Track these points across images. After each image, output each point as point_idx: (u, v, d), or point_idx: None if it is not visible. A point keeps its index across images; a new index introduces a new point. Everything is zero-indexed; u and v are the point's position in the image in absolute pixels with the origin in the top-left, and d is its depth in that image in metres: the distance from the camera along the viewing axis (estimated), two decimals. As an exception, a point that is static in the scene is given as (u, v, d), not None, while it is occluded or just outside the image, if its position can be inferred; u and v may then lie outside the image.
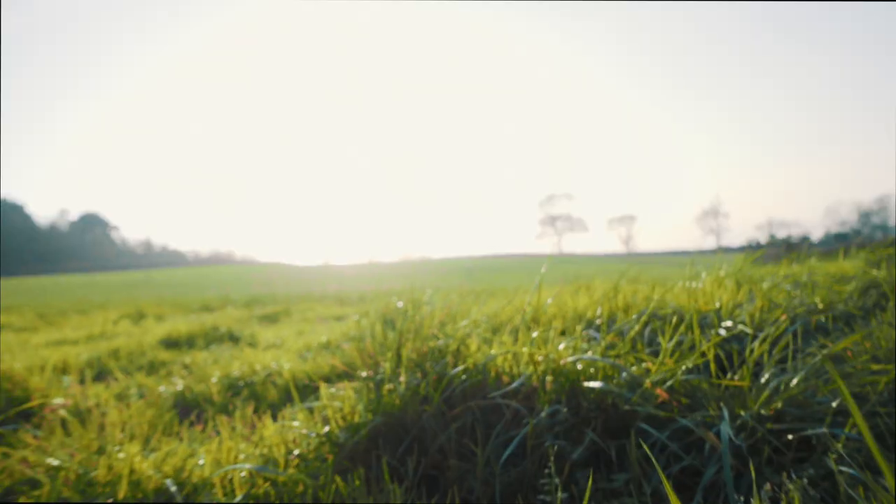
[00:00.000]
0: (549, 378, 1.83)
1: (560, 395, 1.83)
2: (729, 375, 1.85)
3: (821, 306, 3.20)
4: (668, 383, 1.77)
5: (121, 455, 1.74)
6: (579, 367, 1.89)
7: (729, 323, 2.51)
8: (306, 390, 2.88)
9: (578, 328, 2.87)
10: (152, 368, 3.57)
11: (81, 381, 3.16)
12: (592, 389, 1.82)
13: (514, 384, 1.85)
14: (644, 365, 1.94)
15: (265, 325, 8.35)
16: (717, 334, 2.30)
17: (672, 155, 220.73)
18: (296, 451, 1.76)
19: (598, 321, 2.94)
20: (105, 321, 7.84)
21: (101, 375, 3.51)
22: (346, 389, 2.08)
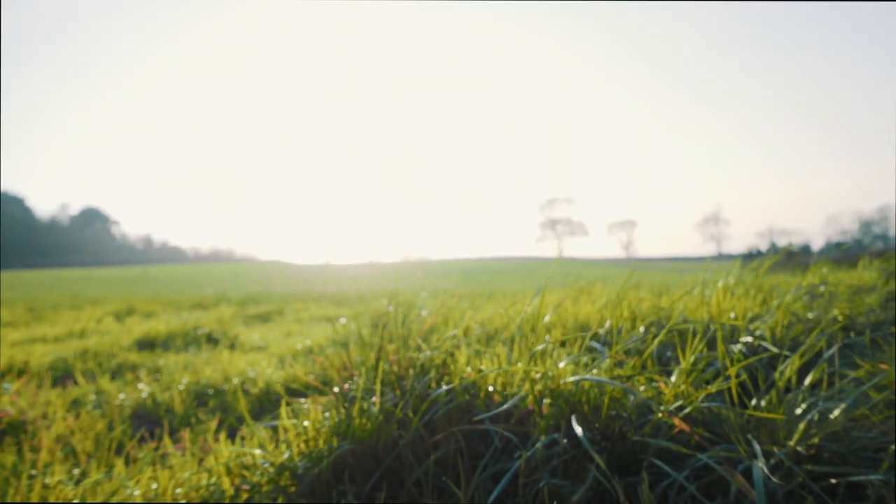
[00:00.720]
0: (546, 401, 1.58)
1: (559, 421, 1.57)
2: (754, 402, 1.59)
3: (840, 319, 2.96)
4: (686, 410, 1.51)
5: (45, 481, 1.48)
6: (580, 385, 1.64)
7: (748, 338, 2.26)
8: (280, 402, 2.63)
9: (580, 340, 2.63)
10: (119, 372, 3.31)
11: (40, 386, 2.91)
12: (597, 415, 1.57)
13: (507, 405, 1.60)
14: (655, 384, 1.69)
15: (255, 326, 8.11)
16: (742, 353, 2.04)
17: (673, 161, 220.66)
18: (247, 484, 1.51)
19: (601, 332, 2.70)
20: (89, 318, 7.59)
21: (63, 379, 3.25)
22: (313, 407, 1.83)
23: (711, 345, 2.38)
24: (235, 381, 2.88)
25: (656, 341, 1.70)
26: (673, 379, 1.67)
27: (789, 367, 1.64)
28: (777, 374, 1.58)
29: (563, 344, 2.68)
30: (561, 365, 1.62)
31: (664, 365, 2.28)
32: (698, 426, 1.56)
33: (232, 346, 4.39)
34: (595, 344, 2.43)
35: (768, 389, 1.67)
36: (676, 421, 1.37)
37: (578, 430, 1.41)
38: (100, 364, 3.50)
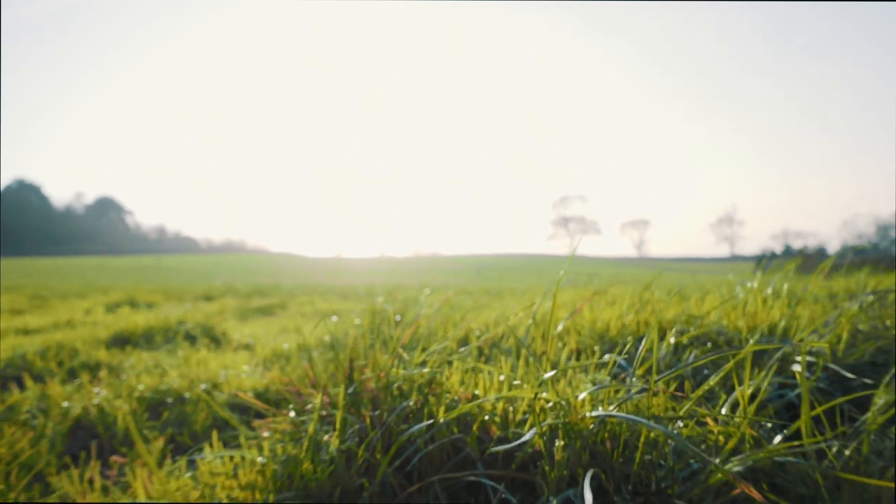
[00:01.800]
0: (559, 442, 1.19)
1: (575, 468, 1.19)
2: (834, 449, 1.19)
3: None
4: (748, 463, 1.11)
5: None
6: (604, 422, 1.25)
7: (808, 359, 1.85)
8: (249, 414, 2.27)
9: (598, 351, 2.23)
10: (78, 373, 2.96)
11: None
12: (627, 462, 1.18)
13: (508, 446, 1.20)
14: (698, 416, 1.30)
15: (255, 320, 7.79)
16: (816, 384, 1.62)
17: (688, 161, 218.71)
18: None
19: (623, 342, 2.31)
20: (80, 308, 7.28)
21: (17, 379, 2.91)
22: (270, 434, 1.46)
23: (757, 358, 1.98)
24: (204, 387, 2.51)
25: (698, 361, 1.30)
26: (724, 412, 1.28)
27: (879, 400, 1.23)
28: (870, 417, 1.18)
29: (577, 355, 2.29)
30: (580, 396, 1.22)
31: (702, 385, 1.89)
32: (760, 478, 1.16)
33: (216, 344, 4.02)
34: (617, 358, 2.04)
35: (856, 434, 1.26)
36: (743, 486, 0.97)
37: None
38: (60, 362, 3.15)
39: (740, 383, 1.41)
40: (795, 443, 1.11)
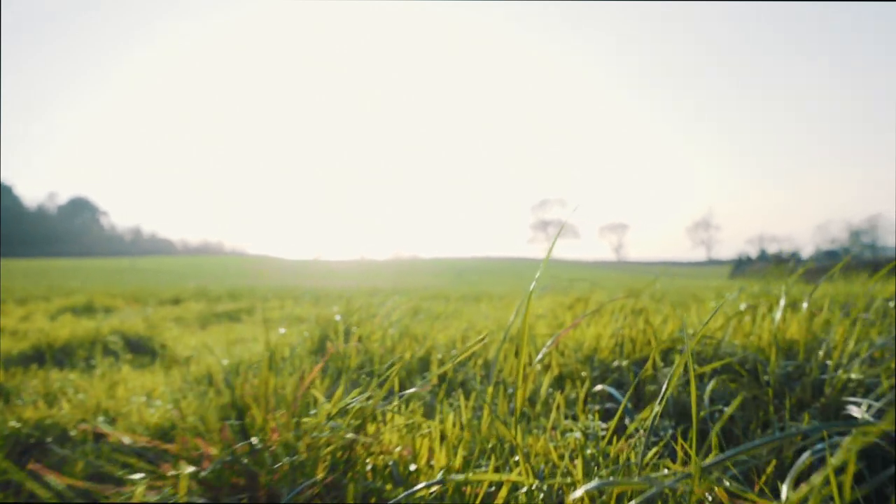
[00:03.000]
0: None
1: None
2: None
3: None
4: None
5: None
6: None
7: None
8: (144, 456, 1.79)
9: (587, 378, 1.80)
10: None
11: None
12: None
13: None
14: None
15: (214, 326, 7.26)
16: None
17: (666, 166, 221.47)
18: None
19: (615, 364, 1.88)
20: (11, 315, 6.67)
21: None
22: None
23: (785, 384, 1.56)
24: (97, 419, 2.02)
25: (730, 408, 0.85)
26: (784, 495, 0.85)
27: None
28: None
29: (559, 382, 1.85)
30: (575, 495, 0.76)
31: (733, 441, 1.45)
32: None
33: (152, 358, 3.52)
34: (612, 390, 1.61)
35: None
36: None
37: None
38: (-56, 386, 2.64)
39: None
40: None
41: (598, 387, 1.31)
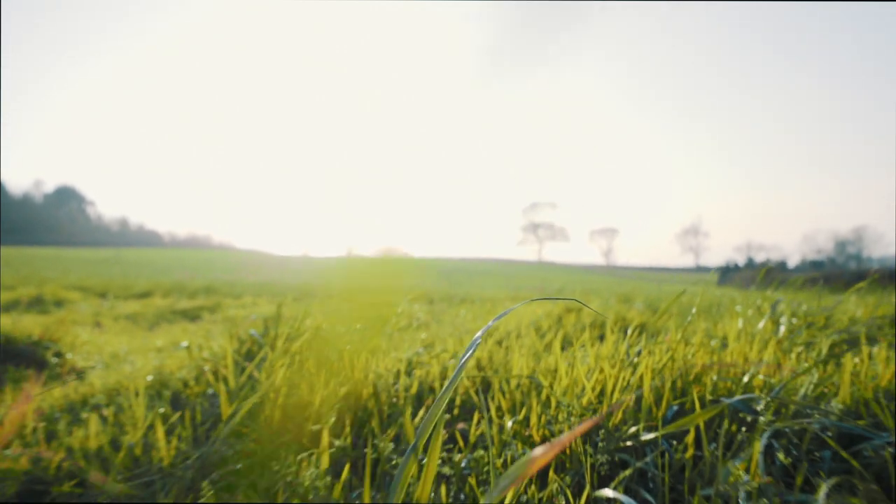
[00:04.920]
0: None
1: None
2: None
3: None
4: None
5: None
6: None
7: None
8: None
9: (589, 454, 1.31)
10: None
11: None
12: None
13: None
14: None
15: (165, 326, 6.76)
16: None
17: (656, 172, 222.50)
18: None
19: (630, 430, 1.36)
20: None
21: None
22: None
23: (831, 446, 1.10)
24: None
25: None
26: None
27: None
28: None
29: (542, 481, 1.38)
30: None
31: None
32: None
33: (38, 369, 2.99)
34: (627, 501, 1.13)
35: None
36: None
37: None
38: None
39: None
40: None
41: (607, 493, 0.84)
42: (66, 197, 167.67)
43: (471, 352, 0.73)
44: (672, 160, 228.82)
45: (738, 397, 1.19)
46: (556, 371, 1.57)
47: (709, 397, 1.33)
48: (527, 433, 1.26)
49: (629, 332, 1.66)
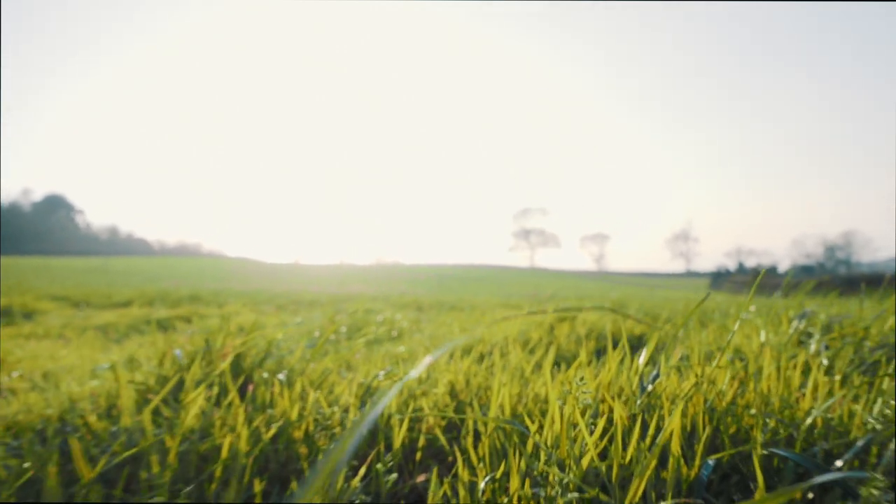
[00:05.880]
0: None
1: None
2: None
3: None
4: None
5: None
6: None
7: None
8: None
9: None
10: None
11: None
12: None
13: None
14: None
15: (135, 336, 6.40)
16: None
17: (647, 177, 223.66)
18: None
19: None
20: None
21: None
22: None
23: None
24: None
25: None
26: None
27: None
28: None
29: None
30: None
31: None
32: None
33: None
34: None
35: None
36: None
37: None
38: None
39: None
40: None
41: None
42: (54, 205, 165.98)
43: (394, 391, 0.41)
44: (663, 166, 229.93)
45: (838, 473, 0.86)
46: (545, 400, 1.25)
47: (760, 450, 1.00)
48: (504, 501, 0.94)
49: (633, 346, 1.34)
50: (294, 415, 1.19)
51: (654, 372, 1.17)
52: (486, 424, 1.09)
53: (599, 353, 2.58)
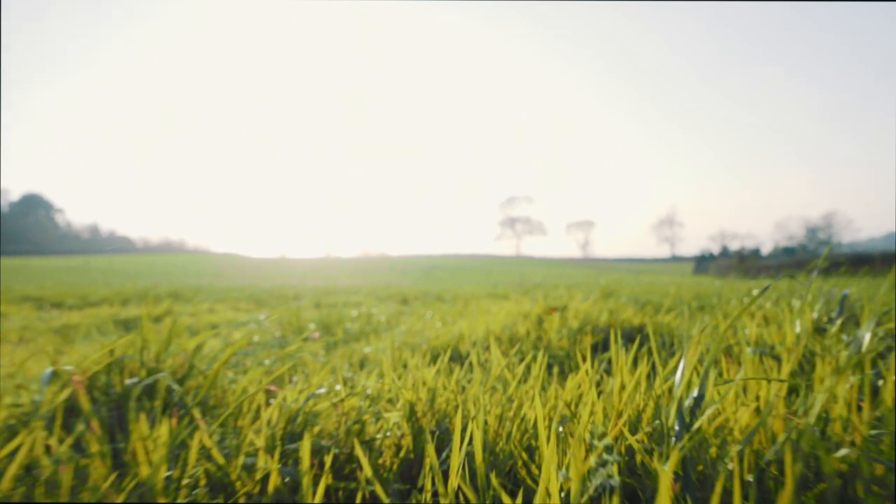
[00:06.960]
0: None
1: None
2: None
3: None
4: None
5: None
6: None
7: None
8: None
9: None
10: None
11: None
12: None
13: None
14: None
15: (94, 338, 6.00)
16: None
17: (631, 164, 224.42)
18: None
19: None
20: None
21: None
22: None
23: None
24: None
25: None
26: None
27: None
28: None
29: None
30: None
31: None
32: None
33: None
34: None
35: None
36: None
37: None
38: None
39: None
40: None
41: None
42: (32, 205, 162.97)
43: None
44: (647, 152, 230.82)
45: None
46: (535, 426, 0.93)
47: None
48: None
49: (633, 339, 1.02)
50: (159, 475, 0.83)
51: (696, 392, 0.82)
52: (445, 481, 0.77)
53: (596, 349, 2.28)
